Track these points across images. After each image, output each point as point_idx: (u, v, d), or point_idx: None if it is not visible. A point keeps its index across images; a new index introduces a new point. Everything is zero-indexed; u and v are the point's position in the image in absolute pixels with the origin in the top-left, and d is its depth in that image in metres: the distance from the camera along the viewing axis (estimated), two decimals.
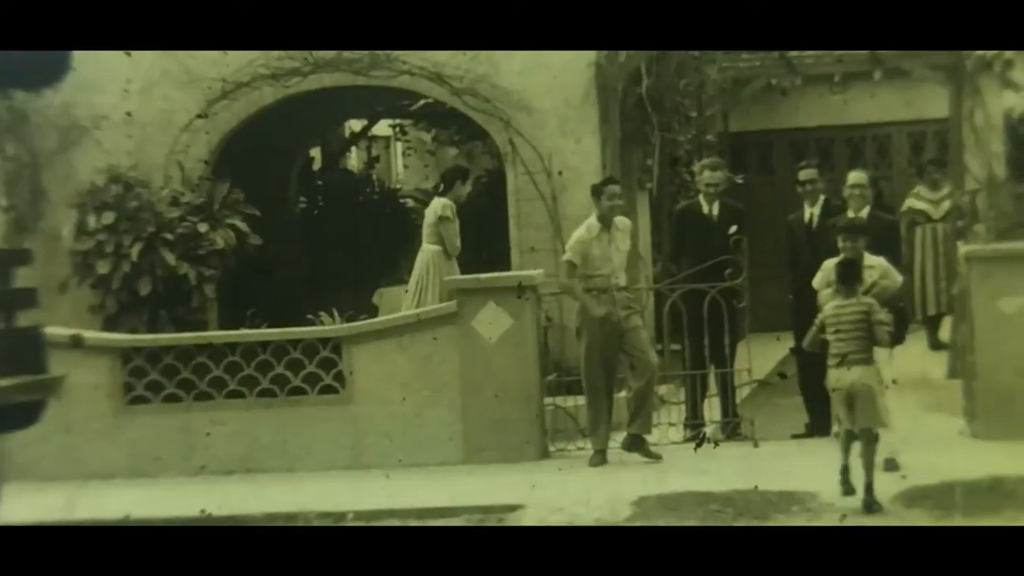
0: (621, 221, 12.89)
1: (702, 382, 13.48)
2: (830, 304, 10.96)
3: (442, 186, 14.62)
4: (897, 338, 13.10)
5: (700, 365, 13.37)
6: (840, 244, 11.49)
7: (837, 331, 10.76)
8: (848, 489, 10.57)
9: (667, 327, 13.84)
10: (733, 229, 13.43)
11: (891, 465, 11.22)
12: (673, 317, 13.57)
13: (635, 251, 13.07)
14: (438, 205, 14.26)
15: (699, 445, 12.88)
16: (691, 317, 13.19)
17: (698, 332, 13.19)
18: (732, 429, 13.34)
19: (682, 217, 14.17)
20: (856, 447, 10.60)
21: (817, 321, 10.95)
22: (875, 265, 11.55)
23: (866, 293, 11.13)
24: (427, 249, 14.22)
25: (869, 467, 10.50)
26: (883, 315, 10.79)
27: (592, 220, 12.79)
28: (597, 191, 12.88)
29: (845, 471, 10.60)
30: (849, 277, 10.94)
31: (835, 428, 10.98)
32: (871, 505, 10.40)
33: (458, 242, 14.14)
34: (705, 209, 13.67)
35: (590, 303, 12.59)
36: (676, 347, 13.92)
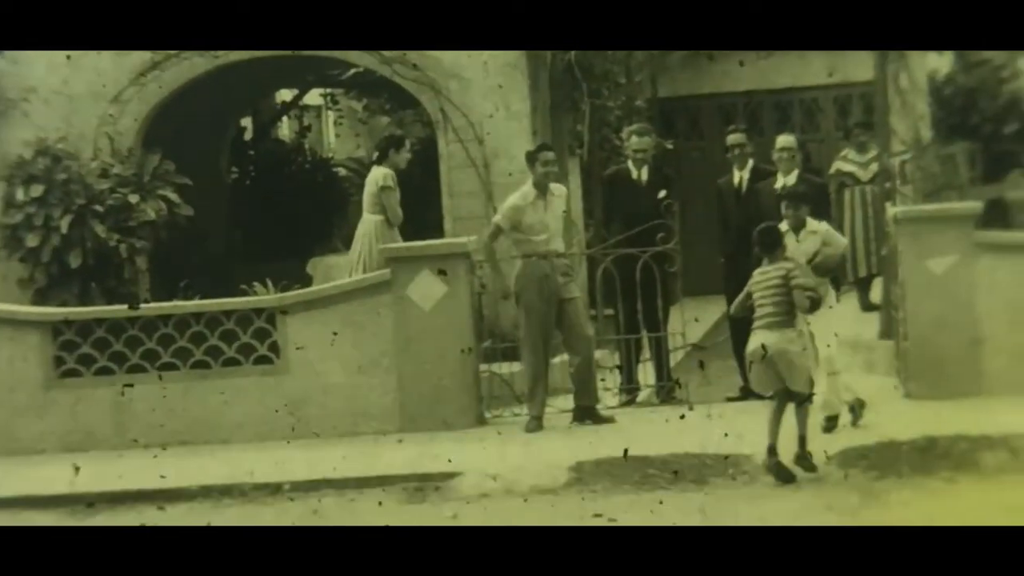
0: (556, 187, 12.94)
1: (636, 346, 13.55)
2: (756, 271, 11.01)
3: (376, 155, 14.55)
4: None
5: (634, 330, 13.44)
6: (783, 211, 11.50)
7: (761, 296, 10.78)
8: (780, 473, 10.53)
9: (600, 292, 13.90)
10: (663, 194, 13.47)
11: (831, 424, 11.36)
12: (606, 282, 13.63)
13: (568, 217, 13.08)
14: (379, 175, 14.16)
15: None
16: (624, 282, 13.25)
17: (631, 297, 13.25)
18: (667, 393, 13.42)
19: (611, 182, 14.20)
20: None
21: (746, 288, 10.99)
22: (817, 231, 11.54)
23: (811, 261, 11.22)
24: (368, 219, 14.15)
25: (802, 422, 10.56)
26: (803, 280, 10.74)
27: (527, 187, 12.82)
28: (531, 157, 12.91)
29: (772, 451, 10.55)
30: (769, 244, 10.90)
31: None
32: (804, 459, 10.47)
33: (400, 211, 14.08)
34: (634, 174, 13.71)
35: (499, 274, 12.71)
36: (610, 312, 13.98)
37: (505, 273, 12.89)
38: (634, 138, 13.80)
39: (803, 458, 10.51)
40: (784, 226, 11.30)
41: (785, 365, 10.56)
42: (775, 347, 10.56)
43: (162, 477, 11.41)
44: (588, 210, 17.05)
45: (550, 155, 12.93)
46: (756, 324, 10.77)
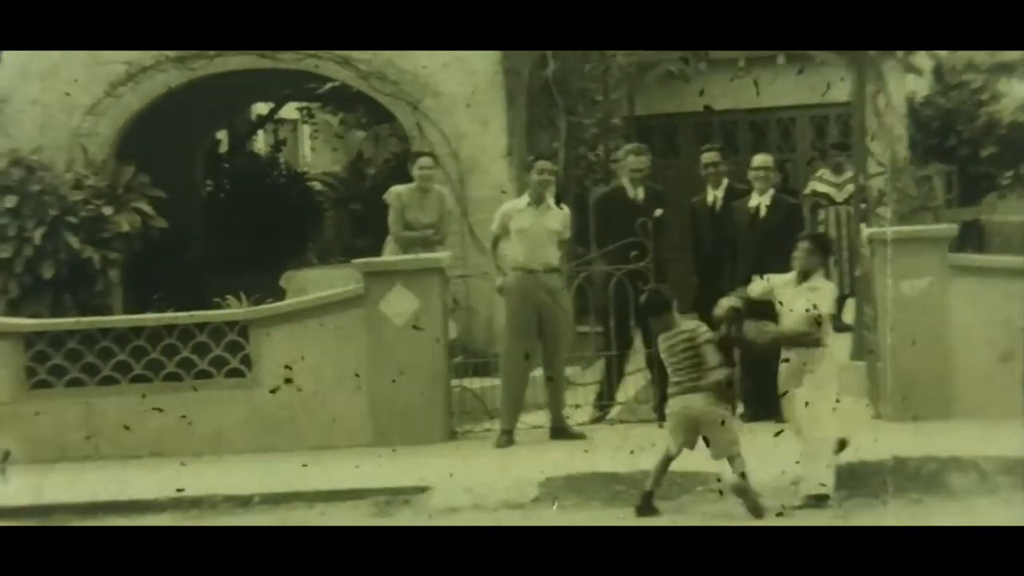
0: (556, 205, 12.96)
1: (618, 363, 13.50)
2: (660, 337, 10.50)
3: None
4: None
5: (621, 346, 13.40)
6: (796, 250, 10.68)
7: (673, 362, 10.38)
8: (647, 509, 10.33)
9: (574, 309, 13.90)
10: (658, 212, 13.48)
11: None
12: (578, 299, 13.63)
13: (563, 240, 13.07)
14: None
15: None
16: (608, 299, 13.26)
17: (620, 314, 13.25)
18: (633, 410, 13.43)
19: (607, 202, 14.16)
20: None
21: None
22: (819, 289, 10.57)
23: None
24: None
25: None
26: (710, 335, 10.37)
27: (524, 195, 12.94)
28: (528, 166, 13.05)
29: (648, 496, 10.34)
30: (655, 310, 10.55)
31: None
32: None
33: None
34: (631, 193, 13.67)
35: (499, 282, 12.74)
36: (583, 329, 13.98)
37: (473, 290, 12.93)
38: (631, 157, 13.74)
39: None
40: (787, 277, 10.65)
41: (710, 430, 10.29)
42: (701, 411, 10.27)
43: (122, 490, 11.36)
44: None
45: (546, 164, 12.97)
46: (673, 391, 10.37)
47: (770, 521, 9.76)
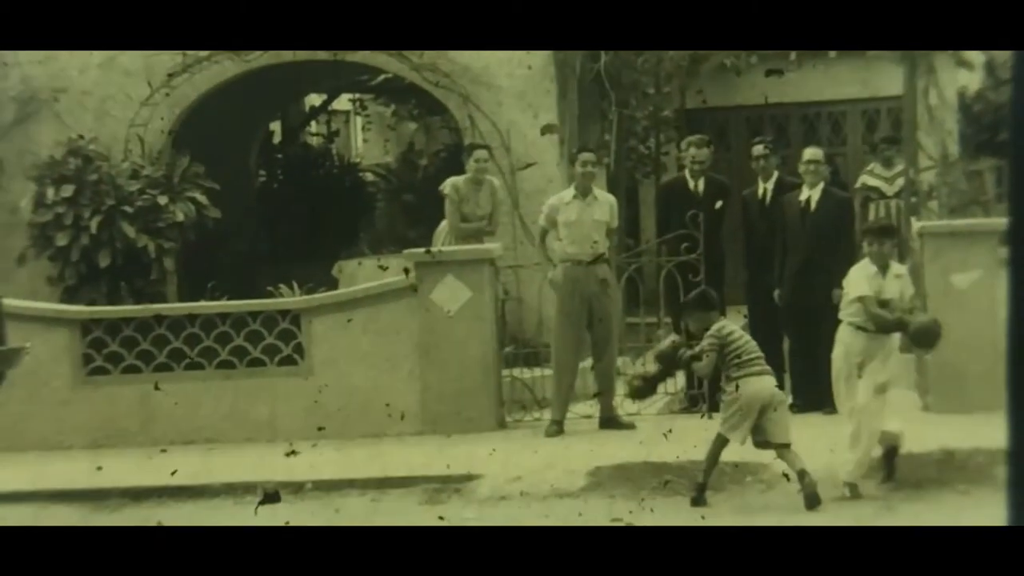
0: (604, 195, 13.10)
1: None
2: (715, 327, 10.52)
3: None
4: None
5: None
6: (865, 247, 10.78)
7: (732, 348, 10.43)
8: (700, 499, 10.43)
9: (623, 300, 13.99)
10: (719, 204, 13.54)
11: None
12: (630, 290, 13.72)
13: (612, 227, 13.12)
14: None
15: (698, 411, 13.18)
16: (673, 290, 13.32)
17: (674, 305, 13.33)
18: (692, 400, 13.49)
19: (668, 193, 14.24)
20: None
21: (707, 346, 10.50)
22: (901, 275, 10.73)
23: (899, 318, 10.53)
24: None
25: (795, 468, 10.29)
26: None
27: (570, 188, 13.03)
28: (572, 158, 13.11)
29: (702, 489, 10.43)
30: (701, 307, 10.61)
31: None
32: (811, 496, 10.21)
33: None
34: (691, 185, 13.72)
35: (550, 266, 12.81)
36: (633, 320, 14.05)
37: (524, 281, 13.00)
38: (692, 149, 13.78)
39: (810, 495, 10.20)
40: (867, 266, 10.62)
41: (775, 413, 10.35)
42: (772, 392, 10.38)
43: (173, 474, 11.45)
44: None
45: (589, 156, 13.08)
46: (740, 374, 10.36)
47: (787, 521, 9.74)
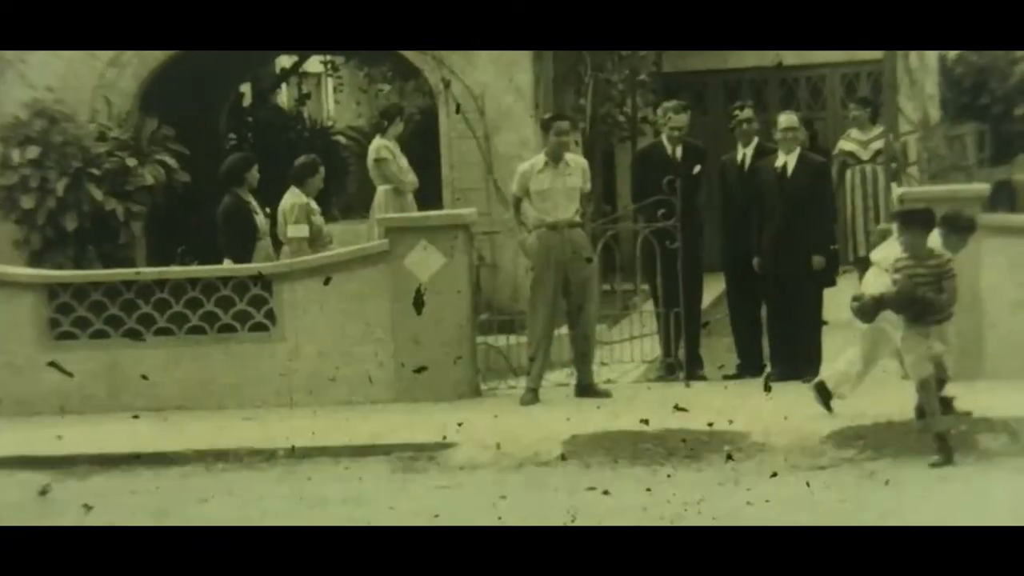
0: (575, 159, 12.91)
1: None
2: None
3: (386, 124, 14.72)
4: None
5: (669, 304, 13.27)
6: (896, 235, 10.67)
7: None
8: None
9: (600, 267, 13.82)
10: (697, 169, 13.38)
11: None
12: (606, 257, 13.56)
13: (586, 192, 12.94)
14: (372, 148, 14.32)
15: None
16: (649, 256, 13.18)
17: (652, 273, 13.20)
18: (668, 369, 13.35)
19: (645, 159, 14.04)
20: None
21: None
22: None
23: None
24: (379, 191, 14.32)
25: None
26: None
27: (541, 154, 12.78)
28: (546, 125, 12.91)
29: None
30: (925, 225, 10.33)
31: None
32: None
33: (409, 178, 14.08)
34: (669, 151, 13.53)
35: (520, 237, 12.66)
36: (605, 287, 13.90)
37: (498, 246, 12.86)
38: (671, 115, 13.57)
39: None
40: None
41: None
42: None
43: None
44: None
45: (564, 124, 12.87)
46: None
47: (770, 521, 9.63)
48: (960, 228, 10.62)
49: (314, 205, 13.66)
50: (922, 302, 10.27)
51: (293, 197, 13.59)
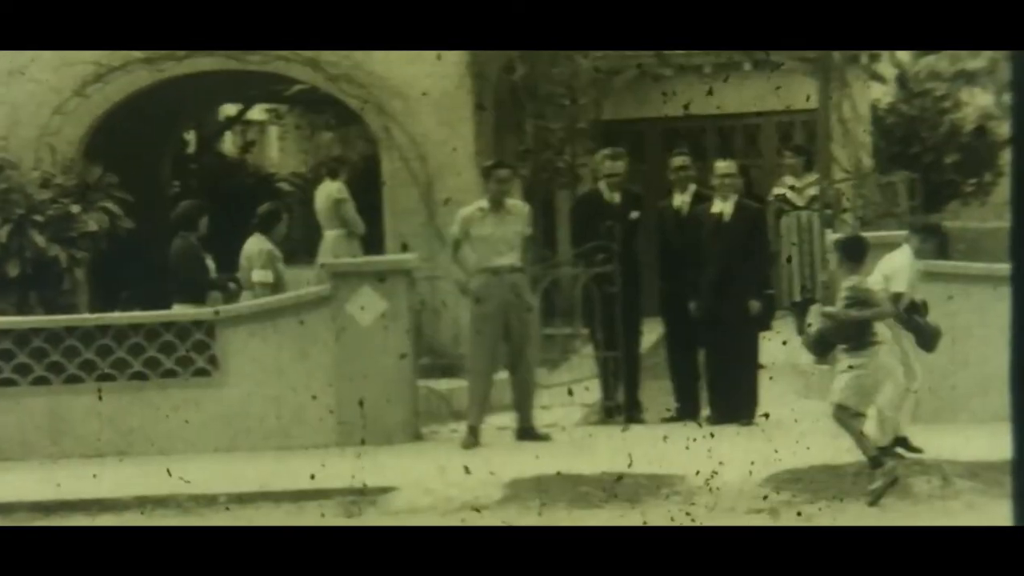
0: (516, 205, 13.05)
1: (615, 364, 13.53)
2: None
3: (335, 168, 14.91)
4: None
5: (610, 348, 13.42)
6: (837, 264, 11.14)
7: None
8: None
9: (540, 311, 13.96)
10: (635, 215, 13.53)
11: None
12: (546, 301, 13.70)
13: (527, 236, 13.09)
14: (332, 188, 14.32)
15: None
16: (589, 301, 13.33)
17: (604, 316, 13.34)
18: (607, 412, 13.48)
19: (584, 205, 14.20)
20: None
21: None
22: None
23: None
24: (327, 236, 14.32)
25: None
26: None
27: (483, 200, 12.92)
28: (487, 173, 13.03)
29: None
30: (857, 255, 10.82)
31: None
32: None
33: (359, 221, 14.18)
34: (607, 196, 13.68)
35: (460, 284, 12.78)
36: (549, 331, 14.03)
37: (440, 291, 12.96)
38: (607, 162, 13.71)
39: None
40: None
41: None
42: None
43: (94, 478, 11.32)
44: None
45: (504, 172, 13.01)
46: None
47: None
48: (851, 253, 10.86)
49: (278, 252, 13.74)
50: (851, 327, 10.54)
51: (259, 243, 13.67)
